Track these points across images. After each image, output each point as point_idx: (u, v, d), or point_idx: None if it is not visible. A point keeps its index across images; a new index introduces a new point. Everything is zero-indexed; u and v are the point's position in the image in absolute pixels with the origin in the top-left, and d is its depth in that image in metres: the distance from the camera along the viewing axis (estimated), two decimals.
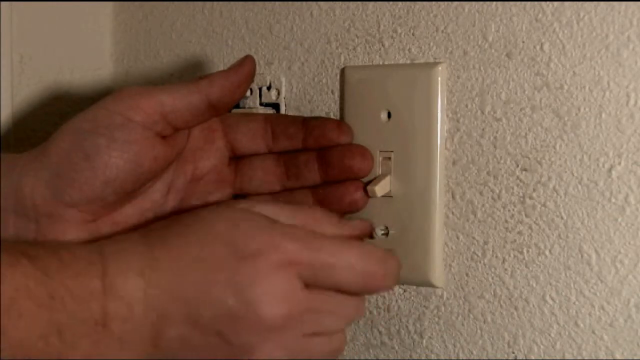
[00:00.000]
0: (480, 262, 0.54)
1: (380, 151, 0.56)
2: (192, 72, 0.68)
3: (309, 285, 0.45)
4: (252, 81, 0.53)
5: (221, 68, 0.66)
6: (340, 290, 0.46)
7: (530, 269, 0.52)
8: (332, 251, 0.45)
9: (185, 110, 0.49)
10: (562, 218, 0.51)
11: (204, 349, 0.44)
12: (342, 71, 0.59)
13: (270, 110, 0.62)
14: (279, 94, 0.62)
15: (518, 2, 0.51)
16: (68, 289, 0.41)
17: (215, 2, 0.66)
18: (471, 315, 0.54)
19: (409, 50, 0.56)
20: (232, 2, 0.65)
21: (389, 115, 0.56)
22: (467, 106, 0.54)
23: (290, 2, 0.62)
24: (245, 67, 0.51)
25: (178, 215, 0.47)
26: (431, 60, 0.55)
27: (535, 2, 0.51)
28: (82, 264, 0.42)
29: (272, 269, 0.44)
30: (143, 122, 0.48)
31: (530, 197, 0.52)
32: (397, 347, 0.58)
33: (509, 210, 0.52)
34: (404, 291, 0.57)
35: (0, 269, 0.39)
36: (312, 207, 0.51)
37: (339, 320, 0.47)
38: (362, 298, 0.48)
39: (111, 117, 0.48)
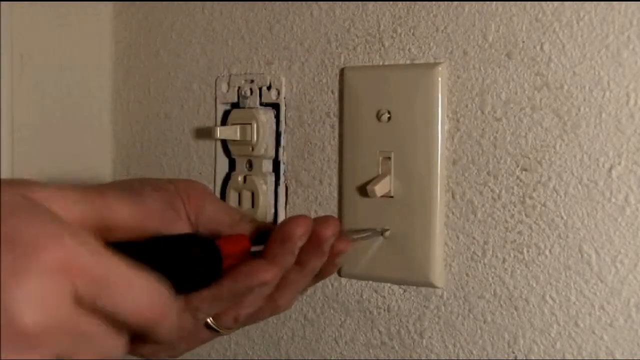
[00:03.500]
0: (480, 262, 0.54)
1: (380, 151, 0.56)
2: (192, 72, 0.68)
3: (80, 302, 0.36)
4: None
5: (221, 68, 0.66)
6: (111, 319, 0.37)
7: (530, 269, 0.52)
8: (122, 270, 0.37)
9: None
10: (562, 218, 0.51)
11: None
12: (342, 71, 0.59)
13: (270, 111, 0.62)
14: (279, 93, 0.62)
15: (518, 2, 0.51)
16: None
17: (215, 2, 0.66)
18: (471, 315, 0.54)
19: (409, 50, 0.56)
20: (232, 2, 0.65)
21: (389, 115, 0.56)
22: (467, 106, 0.54)
23: (290, 2, 0.62)
24: None
25: None
26: (431, 60, 0.55)
27: (535, 2, 0.51)
28: None
29: (46, 269, 0.35)
30: None
31: (530, 197, 0.52)
32: (397, 347, 0.58)
33: (509, 210, 0.52)
34: (404, 291, 0.57)
35: None
36: None
37: (92, 352, 0.38)
38: (125, 337, 0.38)
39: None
